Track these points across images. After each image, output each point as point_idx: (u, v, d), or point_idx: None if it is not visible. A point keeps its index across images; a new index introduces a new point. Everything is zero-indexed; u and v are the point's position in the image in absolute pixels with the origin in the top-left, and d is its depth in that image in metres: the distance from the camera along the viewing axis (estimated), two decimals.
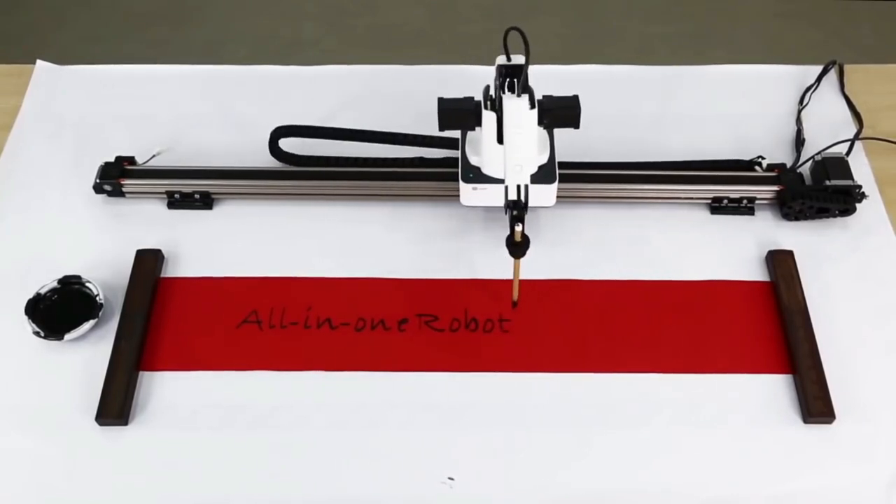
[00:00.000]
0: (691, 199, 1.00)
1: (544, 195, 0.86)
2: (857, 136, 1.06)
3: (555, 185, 0.85)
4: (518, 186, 0.82)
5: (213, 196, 1.00)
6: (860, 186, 0.97)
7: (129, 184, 0.99)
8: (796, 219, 0.98)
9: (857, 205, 0.97)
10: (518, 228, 0.81)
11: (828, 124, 1.08)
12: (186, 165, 1.01)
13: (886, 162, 1.04)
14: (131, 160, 1.01)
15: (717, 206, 0.99)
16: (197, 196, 1.00)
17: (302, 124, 1.02)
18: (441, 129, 0.84)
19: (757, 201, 0.99)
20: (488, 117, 0.81)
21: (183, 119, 1.09)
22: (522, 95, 0.79)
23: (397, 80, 1.14)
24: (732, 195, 0.98)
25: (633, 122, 1.09)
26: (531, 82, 0.83)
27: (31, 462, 0.83)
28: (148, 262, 0.94)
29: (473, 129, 0.86)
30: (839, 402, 0.85)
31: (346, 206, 1.00)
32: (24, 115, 1.09)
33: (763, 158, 1.02)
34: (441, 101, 0.84)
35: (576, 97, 0.83)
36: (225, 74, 1.15)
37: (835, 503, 0.81)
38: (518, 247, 0.83)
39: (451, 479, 0.82)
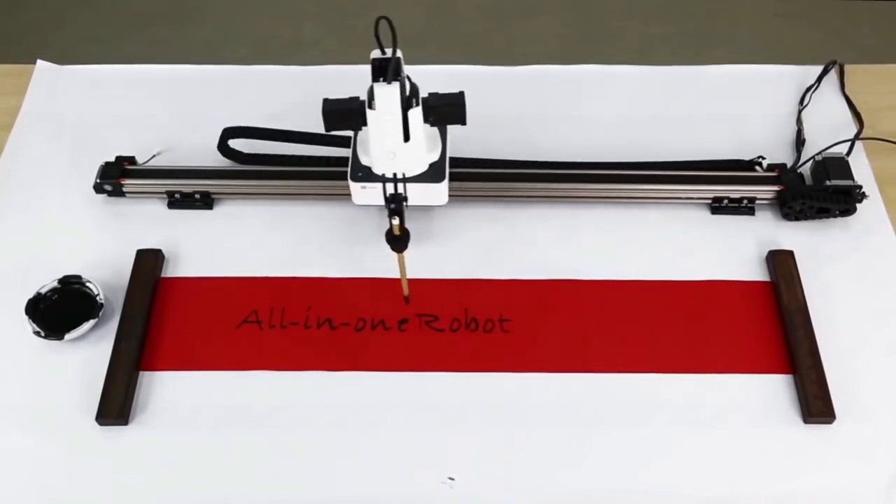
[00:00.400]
0: (691, 199, 1.00)
1: (434, 194, 0.86)
2: (857, 137, 1.06)
3: (444, 184, 0.85)
4: (395, 181, 0.82)
5: (214, 196, 1.00)
6: (860, 186, 0.97)
7: (129, 184, 0.99)
8: (796, 219, 0.98)
9: (858, 205, 0.97)
10: (395, 222, 0.81)
11: (828, 124, 1.08)
12: (186, 165, 1.01)
13: (887, 162, 1.04)
14: (131, 160, 1.01)
15: (718, 206, 0.99)
16: (197, 196, 1.00)
17: (251, 126, 1.03)
18: (327, 129, 0.84)
19: (757, 201, 0.99)
20: (372, 115, 0.81)
21: (183, 119, 1.09)
22: (393, 83, 0.78)
23: None
24: (733, 195, 0.98)
25: (634, 122, 1.09)
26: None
27: (31, 462, 0.83)
28: (148, 261, 0.94)
29: (360, 129, 0.85)
30: (839, 402, 0.85)
31: (346, 205, 1.00)
32: (25, 115, 1.09)
33: (763, 158, 1.02)
34: (325, 101, 0.84)
35: (461, 94, 0.83)
36: (225, 74, 1.15)
37: (835, 503, 0.81)
38: (397, 241, 0.83)
39: (451, 479, 0.82)
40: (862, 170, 1.02)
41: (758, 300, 0.93)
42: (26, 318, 0.89)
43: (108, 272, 0.94)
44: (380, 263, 0.95)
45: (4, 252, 0.97)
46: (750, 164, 1.02)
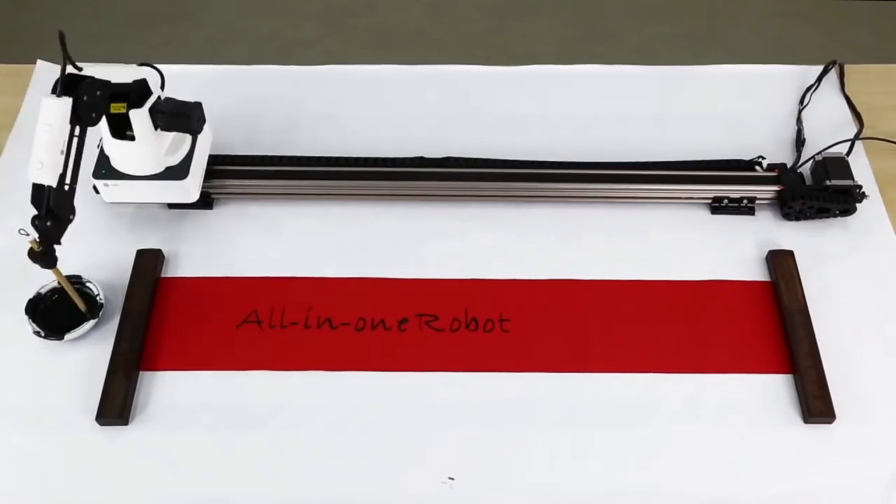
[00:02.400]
0: (692, 198, 1.00)
1: (177, 192, 0.91)
2: (857, 136, 1.05)
3: (188, 181, 0.90)
4: (46, 193, 0.79)
5: (213, 196, 1.00)
6: (860, 186, 0.97)
7: None
8: (796, 219, 0.98)
9: (858, 205, 0.97)
10: (29, 238, 0.79)
11: (828, 124, 1.08)
12: None
13: (887, 162, 1.04)
14: None
15: (718, 206, 0.99)
16: None
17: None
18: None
19: (757, 201, 0.99)
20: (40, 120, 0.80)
21: None
22: (62, 97, 0.78)
23: (398, 79, 1.14)
24: (733, 195, 0.98)
25: (634, 122, 1.09)
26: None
27: (31, 461, 0.83)
28: (148, 262, 0.94)
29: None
30: (839, 402, 0.85)
31: (346, 205, 1.00)
32: (25, 115, 1.09)
33: (763, 158, 1.02)
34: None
35: (197, 104, 0.87)
36: (226, 74, 1.15)
37: (835, 503, 0.81)
38: (38, 258, 0.81)
39: (451, 478, 0.82)
40: (862, 170, 1.02)
41: (758, 300, 0.93)
42: (26, 318, 0.89)
43: (108, 272, 0.94)
44: (380, 263, 0.95)
45: (5, 252, 0.96)
46: (750, 164, 1.02)
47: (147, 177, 0.90)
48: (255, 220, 0.99)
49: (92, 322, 0.89)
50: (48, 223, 0.79)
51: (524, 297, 0.93)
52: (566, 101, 1.12)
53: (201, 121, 0.89)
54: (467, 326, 0.91)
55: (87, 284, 0.91)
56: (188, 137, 0.91)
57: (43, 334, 0.88)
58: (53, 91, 0.79)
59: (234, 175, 1.00)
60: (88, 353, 0.89)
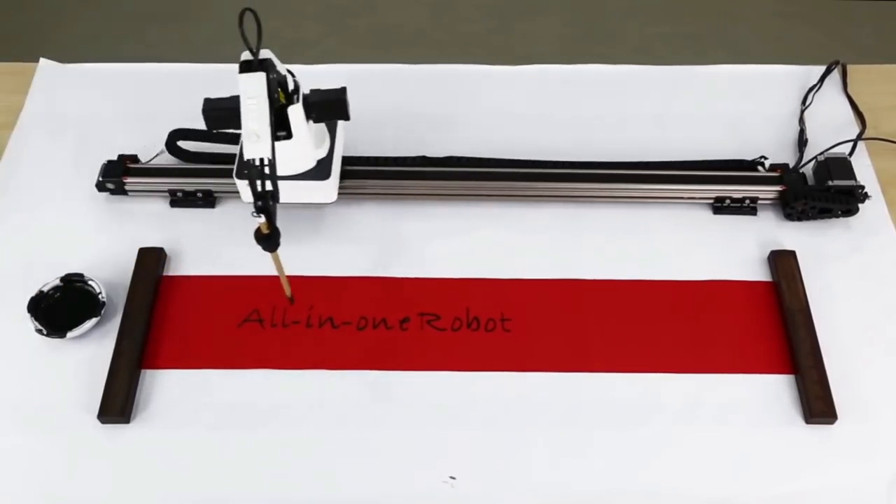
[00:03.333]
0: (693, 199, 1.00)
1: (320, 192, 0.86)
2: (859, 137, 1.06)
3: (330, 182, 0.86)
4: (263, 180, 0.79)
5: (216, 194, 1.00)
6: (863, 187, 0.97)
7: (131, 182, 0.99)
8: (798, 219, 0.98)
9: (860, 205, 0.97)
10: (261, 220, 0.78)
11: (830, 124, 1.08)
12: (189, 164, 1.01)
13: (889, 162, 1.04)
14: (134, 158, 1.01)
15: (720, 206, 0.99)
16: (199, 194, 1.00)
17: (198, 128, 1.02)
18: (209, 128, 0.84)
19: (759, 201, 0.99)
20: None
21: (185, 117, 1.08)
22: (256, 72, 0.78)
23: (399, 79, 1.14)
24: (735, 195, 0.98)
25: (635, 122, 1.09)
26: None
27: (32, 460, 0.83)
28: (150, 260, 0.94)
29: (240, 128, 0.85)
30: (841, 403, 0.85)
31: (346, 204, 1.00)
32: (27, 114, 1.09)
33: (765, 158, 1.02)
34: (206, 101, 0.84)
35: (342, 89, 0.83)
36: (227, 73, 1.14)
37: (836, 503, 0.81)
38: (266, 240, 0.80)
39: (452, 478, 0.82)
40: (864, 170, 1.02)
41: (759, 300, 0.93)
42: (28, 316, 0.89)
43: (110, 270, 0.94)
44: (382, 262, 0.95)
45: (7, 250, 0.97)
46: (752, 165, 1.02)
47: (289, 177, 0.86)
48: (256, 218, 0.99)
49: (94, 320, 0.89)
50: (270, 201, 0.78)
51: (526, 296, 0.93)
52: (567, 100, 1.12)
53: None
54: (469, 326, 0.91)
55: (89, 283, 0.91)
56: (328, 135, 0.88)
57: (45, 332, 0.88)
58: (242, 70, 0.79)
59: None
60: (90, 352, 0.89)
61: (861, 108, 1.10)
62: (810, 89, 1.12)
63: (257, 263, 0.95)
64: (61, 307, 0.90)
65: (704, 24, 2.23)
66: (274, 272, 0.94)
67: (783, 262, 0.94)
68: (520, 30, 2.14)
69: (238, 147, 0.87)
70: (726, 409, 0.86)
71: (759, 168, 1.01)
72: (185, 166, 1.01)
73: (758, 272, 0.95)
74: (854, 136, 1.05)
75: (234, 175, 0.86)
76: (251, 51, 0.78)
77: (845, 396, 0.85)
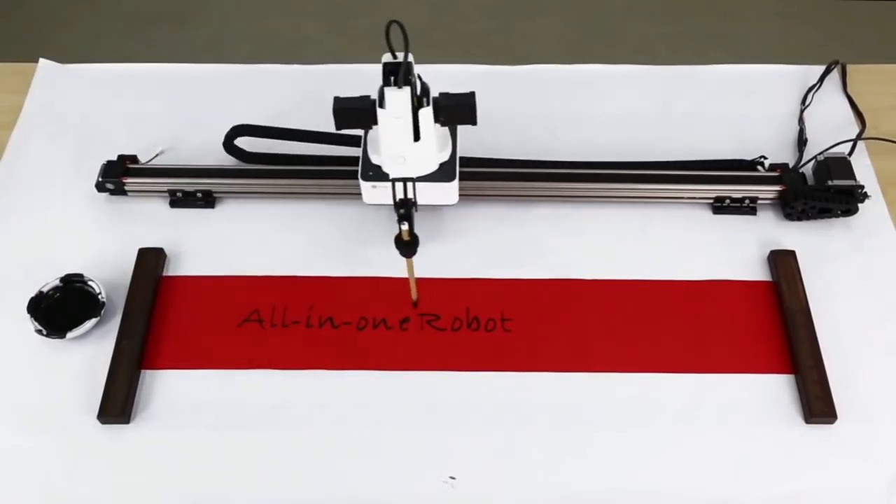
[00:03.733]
0: (693, 198, 1.00)
1: (444, 194, 0.86)
2: (859, 137, 1.06)
3: (454, 184, 0.85)
4: (405, 183, 0.81)
5: (216, 195, 1.00)
6: (862, 186, 0.97)
7: (131, 182, 0.99)
8: (798, 219, 0.98)
9: (860, 205, 0.97)
10: (404, 227, 0.80)
11: (830, 124, 1.08)
12: (189, 164, 1.02)
13: (889, 162, 1.04)
14: (133, 159, 1.01)
15: (720, 206, 0.99)
16: (199, 195, 1.00)
17: (259, 124, 1.02)
18: (338, 128, 0.83)
19: (759, 201, 0.99)
20: (382, 114, 0.81)
21: (185, 118, 1.09)
22: (403, 87, 0.78)
23: None
24: (734, 195, 0.98)
25: (635, 122, 1.09)
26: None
27: (32, 460, 0.83)
28: (150, 260, 0.94)
29: (370, 128, 0.85)
30: (841, 403, 0.85)
31: (348, 204, 1.00)
32: (27, 114, 1.09)
33: (765, 158, 1.02)
34: (336, 100, 0.83)
35: (472, 94, 0.83)
36: (227, 73, 1.15)
37: (836, 503, 0.81)
38: (406, 246, 0.82)
39: (452, 478, 0.82)
40: (864, 170, 1.02)
41: (759, 300, 0.93)
42: (28, 316, 0.89)
43: (110, 271, 0.94)
44: (382, 262, 0.95)
45: (6, 250, 0.97)
46: (752, 164, 1.02)
47: (414, 180, 0.85)
48: (256, 218, 0.99)
49: (94, 320, 0.89)
50: (412, 210, 0.81)
51: (526, 296, 0.93)
52: (567, 100, 1.12)
53: None
54: (469, 326, 0.91)
55: (89, 283, 0.91)
56: (450, 138, 0.88)
57: (45, 333, 0.88)
58: (387, 83, 0.77)
59: (235, 174, 1.00)
60: (90, 352, 0.89)
61: (861, 108, 1.10)
62: (810, 89, 1.12)
63: (257, 263, 0.95)
64: (61, 307, 0.90)
65: (704, 24, 2.23)
66: (275, 272, 0.95)
67: (783, 262, 0.94)
68: (520, 30, 2.14)
69: (361, 148, 0.87)
70: (726, 409, 0.86)
71: (759, 168, 1.01)
72: (184, 166, 1.01)
73: (758, 272, 0.95)
74: (854, 136, 1.05)
75: (358, 176, 0.85)
76: (397, 64, 0.77)
77: (845, 396, 0.85)
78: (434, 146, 0.84)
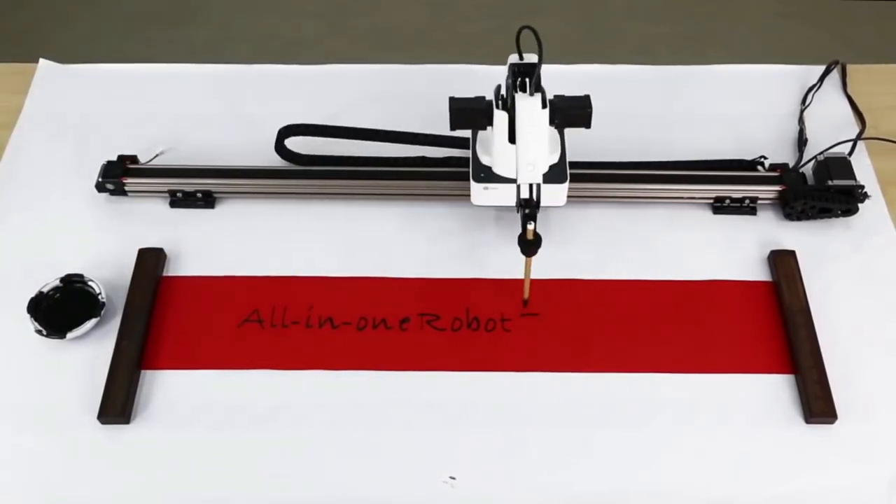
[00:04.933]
0: (693, 198, 1.00)
1: (555, 195, 0.86)
2: (859, 136, 1.05)
3: (566, 185, 0.85)
4: (530, 186, 0.82)
5: (216, 195, 1.00)
6: (862, 186, 0.97)
7: (131, 182, 0.99)
8: (798, 219, 0.98)
9: (860, 205, 0.97)
10: (530, 227, 0.81)
11: (830, 124, 1.08)
12: (189, 164, 1.02)
13: (889, 162, 1.04)
14: (133, 159, 1.01)
15: (720, 206, 0.99)
16: (199, 195, 1.00)
17: (310, 123, 1.02)
18: (452, 128, 0.83)
19: (759, 201, 0.99)
20: (500, 117, 0.81)
21: (185, 118, 1.09)
22: (535, 94, 0.78)
23: (399, 79, 1.14)
24: (734, 195, 0.98)
25: (635, 122, 1.09)
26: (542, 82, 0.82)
27: (32, 460, 0.83)
28: (150, 260, 0.94)
29: (485, 129, 0.85)
30: (841, 402, 0.85)
31: (347, 204, 1.00)
32: (27, 114, 1.09)
33: (765, 158, 1.02)
34: (452, 100, 0.83)
35: (587, 97, 0.83)
36: (227, 73, 1.15)
37: (836, 503, 0.81)
38: (530, 245, 0.83)
39: (452, 478, 0.82)
40: (864, 170, 1.02)
41: (759, 300, 0.93)
42: (28, 316, 0.89)
43: (110, 271, 0.94)
44: (380, 262, 0.95)
45: (6, 251, 0.97)
46: (752, 164, 1.02)
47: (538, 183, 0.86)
48: (256, 219, 0.99)
49: (94, 321, 0.89)
50: (536, 210, 0.82)
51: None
52: None
53: None
54: (469, 326, 0.91)
55: (89, 283, 0.91)
56: (559, 139, 0.88)
57: (45, 333, 0.88)
58: (521, 89, 0.78)
59: (236, 174, 1.00)
60: (90, 352, 0.89)
61: (861, 108, 1.10)
62: (810, 89, 1.12)
63: (257, 264, 0.95)
64: (61, 308, 0.90)
65: (704, 24, 2.23)
66: (274, 273, 0.95)
67: (783, 262, 0.94)
68: None
69: (470, 149, 0.87)
70: (726, 409, 0.86)
71: (759, 168, 1.01)
72: (184, 166, 1.01)
73: (757, 272, 0.95)
74: (854, 136, 1.05)
75: (470, 178, 0.85)
76: (527, 63, 0.78)
77: (845, 396, 0.85)
78: (547, 149, 0.84)
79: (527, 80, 0.81)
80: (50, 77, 1.14)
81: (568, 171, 0.86)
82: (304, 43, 2.13)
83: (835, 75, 1.14)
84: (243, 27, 2.14)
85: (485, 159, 0.85)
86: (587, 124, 0.83)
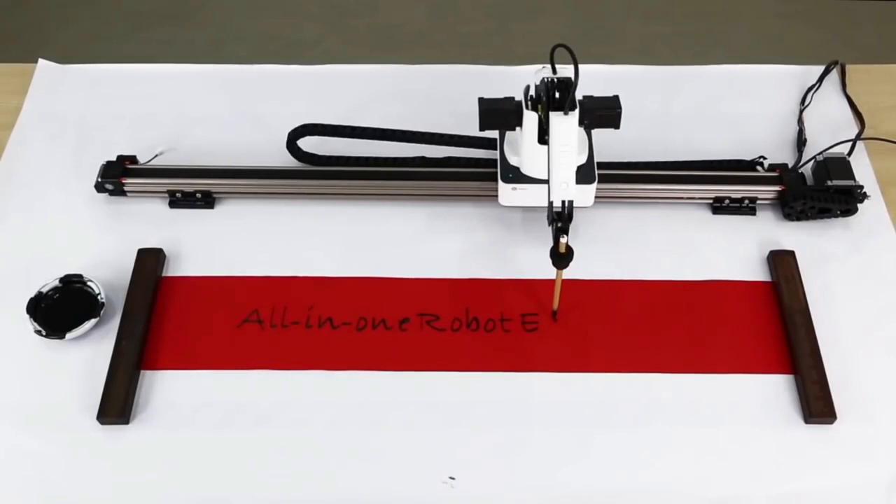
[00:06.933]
0: (693, 198, 1.00)
1: (584, 195, 0.85)
2: (858, 137, 1.05)
3: (593, 186, 0.85)
4: (563, 201, 0.82)
5: (215, 195, 1.00)
6: (862, 187, 0.97)
7: (130, 183, 0.99)
8: (798, 219, 0.98)
9: (859, 205, 0.97)
10: (563, 240, 0.80)
11: (829, 124, 1.08)
12: (188, 164, 1.02)
13: (888, 162, 1.04)
14: (133, 159, 1.01)
15: (719, 206, 0.99)
16: (198, 195, 1.00)
17: (317, 123, 1.02)
18: (482, 129, 0.83)
19: (758, 201, 0.99)
20: (529, 117, 0.80)
21: (184, 118, 1.09)
22: (570, 113, 0.78)
23: (400, 79, 1.14)
24: (734, 195, 0.98)
25: (635, 122, 1.08)
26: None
27: (32, 461, 0.83)
28: (149, 261, 0.94)
29: (514, 129, 0.84)
30: (840, 403, 0.85)
31: (347, 205, 1.00)
32: (26, 115, 1.09)
33: (765, 158, 1.02)
34: (482, 101, 0.83)
35: (616, 97, 0.83)
36: (227, 73, 1.15)
37: (836, 503, 0.81)
38: (562, 258, 0.83)
39: (451, 478, 0.82)
40: (863, 170, 1.02)
41: (759, 300, 0.93)
42: (27, 317, 0.89)
43: (109, 271, 0.94)
44: (381, 263, 0.95)
45: (6, 251, 0.97)
46: (751, 164, 1.02)
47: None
48: (256, 219, 0.99)
49: (93, 321, 0.89)
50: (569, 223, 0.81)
51: (525, 296, 0.93)
52: None
53: None
54: (468, 326, 0.91)
55: (89, 283, 0.91)
56: (587, 140, 0.88)
57: (44, 333, 0.88)
58: (552, 106, 0.78)
59: (235, 174, 1.00)
60: (90, 353, 0.89)
61: (860, 108, 1.10)
62: (809, 89, 1.12)
63: (256, 264, 0.95)
64: (60, 308, 0.90)
65: (704, 24, 2.23)
66: (274, 273, 0.95)
67: (782, 262, 0.94)
68: (520, 30, 2.14)
69: (498, 150, 0.87)
70: (725, 409, 0.86)
71: (759, 168, 1.01)
72: (184, 167, 1.01)
73: (757, 272, 0.95)
74: (853, 136, 1.05)
75: (498, 178, 0.85)
76: (560, 78, 0.77)
77: (845, 396, 0.85)
78: (575, 150, 0.83)
79: (563, 97, 0.80)
80: (49, 77, 1.14)
81: (596, 172, 0.85)
82: (304, 43, 2.13)
83: (834, 75, 1.14)
84: (243, 27, 2.14)
85: (513, 160, 0.84)
86: (616, 125, 0.83)
